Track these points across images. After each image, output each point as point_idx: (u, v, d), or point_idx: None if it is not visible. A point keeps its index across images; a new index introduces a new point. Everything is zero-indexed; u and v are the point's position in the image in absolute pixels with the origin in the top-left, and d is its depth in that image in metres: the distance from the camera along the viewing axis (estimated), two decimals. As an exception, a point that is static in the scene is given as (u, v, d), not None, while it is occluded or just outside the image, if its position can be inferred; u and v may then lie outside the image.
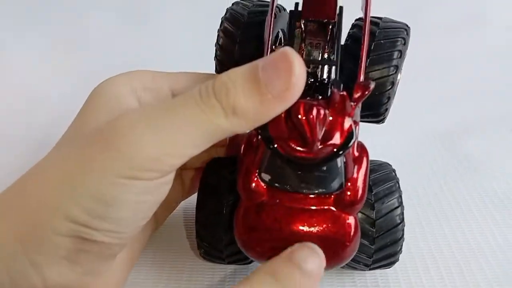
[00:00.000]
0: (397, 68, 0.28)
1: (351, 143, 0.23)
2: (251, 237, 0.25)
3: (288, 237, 0.24)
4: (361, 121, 0.29)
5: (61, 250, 0.23)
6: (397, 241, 0.28)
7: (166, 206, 0.32)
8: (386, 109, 0.30)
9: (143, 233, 0.30)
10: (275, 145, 0.23)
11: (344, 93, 0.23)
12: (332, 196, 0.25)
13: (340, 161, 0.24)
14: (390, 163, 0.30)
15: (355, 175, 0.25)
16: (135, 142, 0.22)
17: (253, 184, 0.25)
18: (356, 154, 0.26)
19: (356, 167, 0.25)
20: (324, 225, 0.25)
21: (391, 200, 0.28)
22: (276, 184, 0.25)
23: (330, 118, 0.23)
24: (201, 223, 0.29)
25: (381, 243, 0.27)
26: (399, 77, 0.29)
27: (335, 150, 0.23)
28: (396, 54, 0.28)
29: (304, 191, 0.25)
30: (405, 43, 0.28)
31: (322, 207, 0.25)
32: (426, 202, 0.39)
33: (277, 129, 0.23)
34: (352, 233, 0.25)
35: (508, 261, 0.33)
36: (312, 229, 0.25)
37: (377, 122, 0.31)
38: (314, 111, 0.22)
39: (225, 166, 0.29)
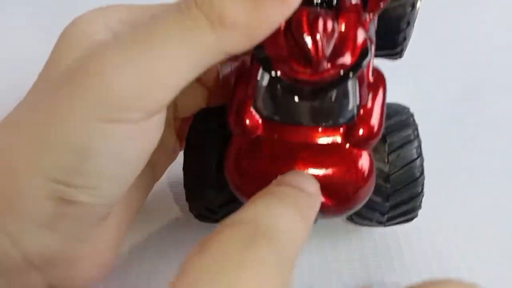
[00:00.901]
0: (414, 4, 0.24)
1: (365, 61, 0.19)
2: (246, 179, 0.22)
3: None
4: (376, 55, 0.24)
5: (39, 216, 0.20)
6: (416, 196, 0.24)
7: (164, 155, 0.29)
8: (405, 38, 0.26)
9: (139, 189, 0.26)
10: (273, 67, 0.19)
11: (358, 0, 0.19)
12: (342, 128, 0.21)
13: (351, 86, 0.20)
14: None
15: (369, 104, 0.21)
16: (110, 77, 0.18)
17: (248, 118, 0.21)
18: (371, 79, 0.22)
19: (371, 94, 0.21)
20: (333, 163, 0.21)
21: (409, 150, 0.24)
22: (275, 116, 0.21)
23: (340, 31, 0.19)
24: (189, 186, 0.26)
25: (397, 199, 0.24)
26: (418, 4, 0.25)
27: (345, 70, 0.19)
28: None
29: (307, 123, 0.21)
30: None
31: (330, 142, 0.21)
32: (449, 153, 0.35)
33: (275, 47, 0.19)
34: (366, 173, 0.21)
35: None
36: (317, 168, 0.21)
37: (394, 55, 0.27)
38: (320, 23, 0.18)
39: (213, 118, 0.25)
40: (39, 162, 0.19)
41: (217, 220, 0.27)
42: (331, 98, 0.20)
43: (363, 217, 0.25)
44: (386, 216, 0.25)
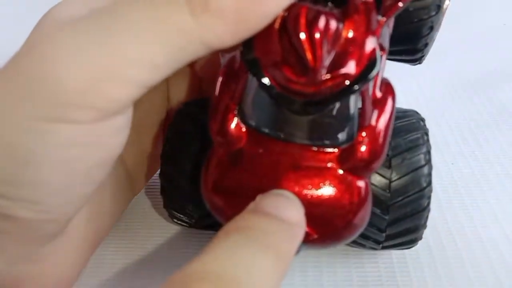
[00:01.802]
0: (439, 8, 0.22)
1: (372, 74, 0.16)
2: (223, 197, 0.19)
3: None
4: (392, 59, 0.22)
5: None
6: (421, 211, 0.21)
7: (144, 162, 0.26)
8: (426, 44, 0.23)
9: (113, 202, 0.24)
10: (262, 72, 0.17)
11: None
12: (338, 150, 0.18)
13: (353, 102, 0.18)
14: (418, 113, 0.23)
15: (373, 123, 0.18)
16: (58, 66, 0.15)
17: (232, 127, 0.19)
18: (379, 94, 0.19)
19: (376, 112, 0.18)
20: (322, 190, 0.18)
21: (416, 155, 0.20)
22: (261, 128, 0.18)
23: (347, 35, 0.16)
24: (168, 191, 0.23)
25: (398, 213, 0.20)
26: (448, 1, 0.22)
27: (347, 83, 0.16)
28: None
29: (297, 140, 0.18)
30: None
31: (322, 164, 0.18)
32: (462, 161, 0.31)
33: (267, 48, 0.17)
34: (360, 205, 0.18)
35: None
36: (304, 193, 0.18)
37: (413, 61, 0.24)
38: (321, 23, 0.16)
39: (199, 113, 0.22)
40: None
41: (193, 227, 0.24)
42: (327, 115, 0.18)
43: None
44: (384, 234, 0.21)
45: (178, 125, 0.23)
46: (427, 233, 0.23)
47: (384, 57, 0.19)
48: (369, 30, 0.17)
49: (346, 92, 0.16)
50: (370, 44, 0.17)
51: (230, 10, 0.15)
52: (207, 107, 0.20)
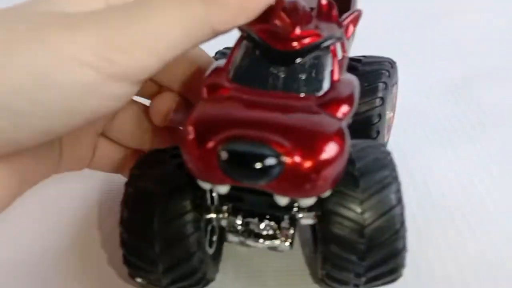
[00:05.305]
0: (383, 100, 0.26)
1: (335, 35, 0.22)
2: (206, 126, 0.19)
3: (248, 122, 0.19)
4: None
5: None
6: (398, 253, 0.20)
7: (76, 149, 0.26)
8: (378, 132, 0.27)
9: (39, 165, 0.24)
10: (253, 30, 0.21)
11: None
12: (314, 97, 0.20)
13: (324, 58, 0.21)
14: (383, 144, 0.23)
15: (337, 77, 0.21)
16: (105, 29, 0.18)
17: (221, 81, 0.21)
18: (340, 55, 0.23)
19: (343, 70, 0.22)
20: (304, 112, 0.20)
21: (386, 196, 0.20)
22: (248, 83, 0.21)
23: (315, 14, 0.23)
24: (130, 247, 0.22)
25: (375, 258, 0.20)
26: (388, 111, 0.28)
27: (318, 41, 0.21)
28: (381, 86, 0.27)
29: (279, 89, 0.21)
30: (390, 76, 0.28)
31: (303, 104, 0.20)
32: (437, 167, 0.31)
33: (258, 21, 0.21)
34: (338, 130, 0.19)
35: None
36: (287, 112, 0.20)
37: None
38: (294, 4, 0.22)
39: (162, 160, 0.22)
40: None
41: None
42: (303, 67, 0.21)
43: (337, 280, 0.21)
44: (363, 278, 0.20)
45: (137, 183, 0.22)
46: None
47: (347, 55, 0.24)
48: (331, 19, 0.23)
49: (316, 46, 0.21)
50: (335, 13, 0.23)
51: (234, 4, 0.20)
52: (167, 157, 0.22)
